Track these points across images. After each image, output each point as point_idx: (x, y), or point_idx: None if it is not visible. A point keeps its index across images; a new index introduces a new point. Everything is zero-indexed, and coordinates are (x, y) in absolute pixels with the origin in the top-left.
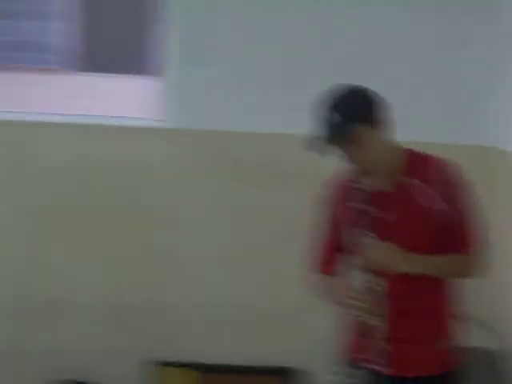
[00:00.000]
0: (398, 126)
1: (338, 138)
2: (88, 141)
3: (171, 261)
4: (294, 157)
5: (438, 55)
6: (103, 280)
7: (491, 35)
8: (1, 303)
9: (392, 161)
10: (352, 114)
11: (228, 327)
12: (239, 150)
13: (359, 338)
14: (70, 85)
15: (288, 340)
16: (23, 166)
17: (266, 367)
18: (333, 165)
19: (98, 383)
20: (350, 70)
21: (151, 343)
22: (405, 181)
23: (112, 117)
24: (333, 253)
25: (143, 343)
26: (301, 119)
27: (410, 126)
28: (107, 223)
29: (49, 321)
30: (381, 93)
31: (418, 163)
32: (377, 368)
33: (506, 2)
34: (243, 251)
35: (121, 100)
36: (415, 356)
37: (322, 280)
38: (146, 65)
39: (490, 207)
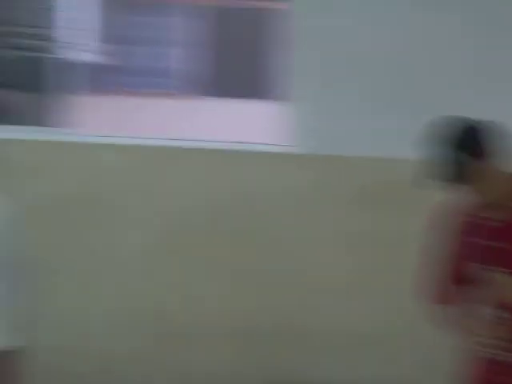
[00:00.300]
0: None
1: (456, 176)
2: (215, 166)
3: (297, 285)
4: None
5: None
6: (231, 305)
7: None
8: (141, 326)
9: (509, 190)
10: (469, 150)
11: (345, 351)
12: (366, 175)
13: (486, 373)
14: (195, 110)
15: (403, 366)
16: (151, 190)
17: None
18: (457, 193)
19: None
20: (475, 97)
21: (275, 366)
22: None
23: (238, 142)
24: (451, 284)
25: (267, 366)
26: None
27: None
28: (234, 248)
29: (180, 344)
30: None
31: None
32: None
33: None
34: (370, 276)
35: (245, 125)
36: None
37: (439, 310)
38: (270, 90)
39: None
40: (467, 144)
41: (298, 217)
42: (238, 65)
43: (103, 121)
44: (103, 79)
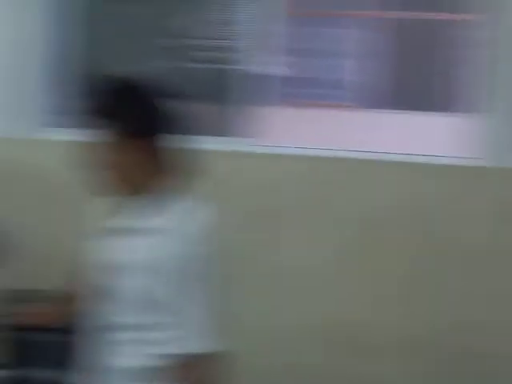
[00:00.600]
0: None
1: None
2: (396, 178)
3: (459, 297)
4: None
5: None
6: (398, 318)
7: None
8: (317, 336)
9: None
10: None
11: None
12: None
13: None
14: (372, 122)
15: None
16: (330, 201)
17: None
18: None
19: None
20: None
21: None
22: None
23: (415, 154)
24: None
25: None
26: None
27: None
28: (404, 259)
29: (350, 354)
30: None
31: None
32: None
33: None
34: None
35: (423, 137)
36: None
37: None
38: (449, 102)
39: None
40: None
41: (474, 228)
42: (416, 77)
43: (285, 131)
44: (283, 90)
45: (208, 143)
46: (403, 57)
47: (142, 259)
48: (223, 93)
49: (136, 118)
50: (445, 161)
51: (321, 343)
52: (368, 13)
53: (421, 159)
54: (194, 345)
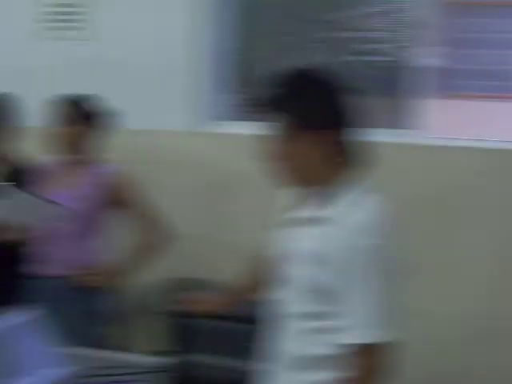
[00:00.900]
0: None
1: None
2: None
3: None
4: None
5: None
6: None
7: None
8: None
9: None
10: None
11: None
12: None
13: None
14: None
15: None
16: (500, 193)
17: None
18: None
19: None
20: None
21: None
22: None
23: None
24: None
25: None
26: None
27: None
28: None
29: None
30: None
31: None
32: None
33: None
34: None
35: None
36: None
37: None
38: None
39: None
40: None
41: None
42: None
43: (449, 123)
44: (443, 82)
45: (376, 135)
46: None
47: (313, 249)
48: (386, 85)
49: (311, 111)
50: None
51: (491, 337)
52: None
53: None
54: (366, 334)
